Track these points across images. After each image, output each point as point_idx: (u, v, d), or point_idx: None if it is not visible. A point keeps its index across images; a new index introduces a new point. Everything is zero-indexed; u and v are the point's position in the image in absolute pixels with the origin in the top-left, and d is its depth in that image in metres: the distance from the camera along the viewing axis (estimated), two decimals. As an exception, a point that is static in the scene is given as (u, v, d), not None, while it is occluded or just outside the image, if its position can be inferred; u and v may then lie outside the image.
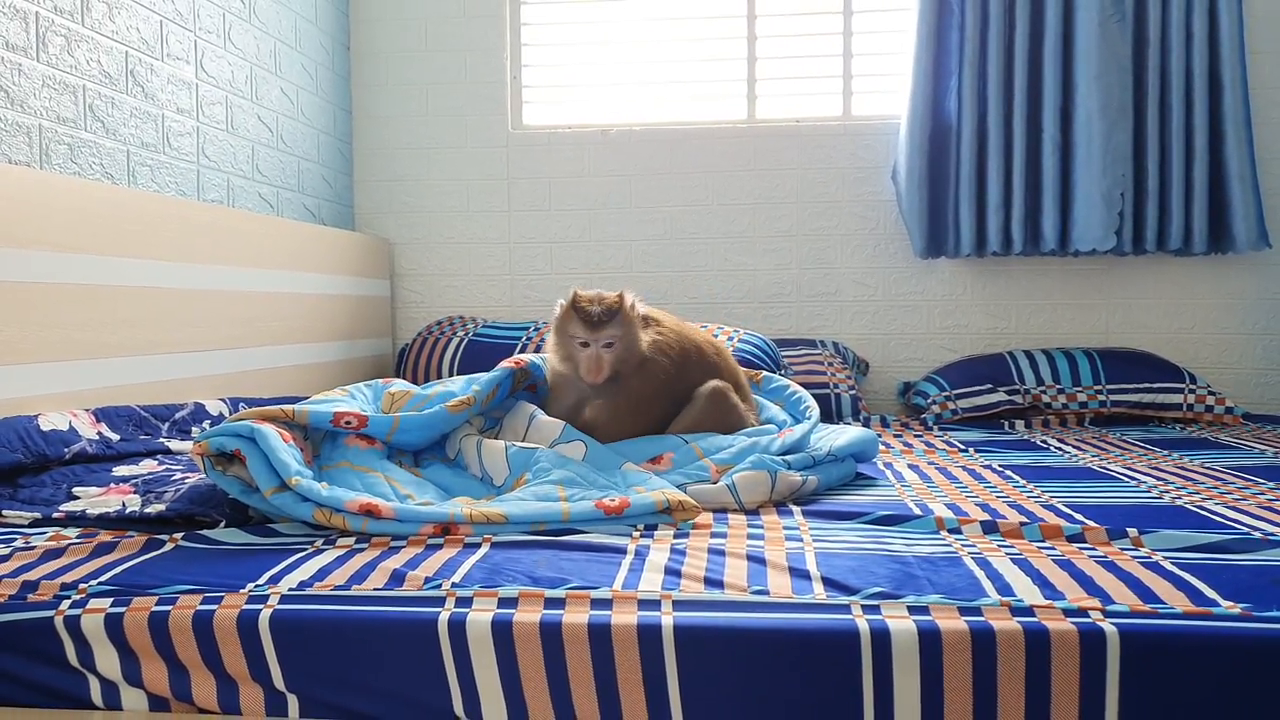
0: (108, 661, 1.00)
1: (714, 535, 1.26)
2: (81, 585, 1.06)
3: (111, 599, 1.03)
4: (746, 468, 1.48)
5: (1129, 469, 1.80)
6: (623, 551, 1.17)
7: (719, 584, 1.04)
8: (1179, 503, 1.47)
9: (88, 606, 1.01)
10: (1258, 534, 1.23)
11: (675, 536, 1.25)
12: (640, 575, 1.07)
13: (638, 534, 1.26)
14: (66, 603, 1.02)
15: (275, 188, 2.67)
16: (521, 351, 2.73)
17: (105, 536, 1.25)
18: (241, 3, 2.48)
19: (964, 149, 2.77)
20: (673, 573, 1.08)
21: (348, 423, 1.46)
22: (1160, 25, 2.70)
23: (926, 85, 2.80)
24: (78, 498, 1.40)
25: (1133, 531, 1.22)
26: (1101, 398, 2.57)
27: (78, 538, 1.24)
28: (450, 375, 2.75)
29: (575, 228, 3.12)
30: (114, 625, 0.99)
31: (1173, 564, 1.10)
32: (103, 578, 1.08)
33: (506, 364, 1.72)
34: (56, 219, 1.70)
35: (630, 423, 1.70)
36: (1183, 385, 2.58)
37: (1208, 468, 1.79)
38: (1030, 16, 2.73)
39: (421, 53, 3.15)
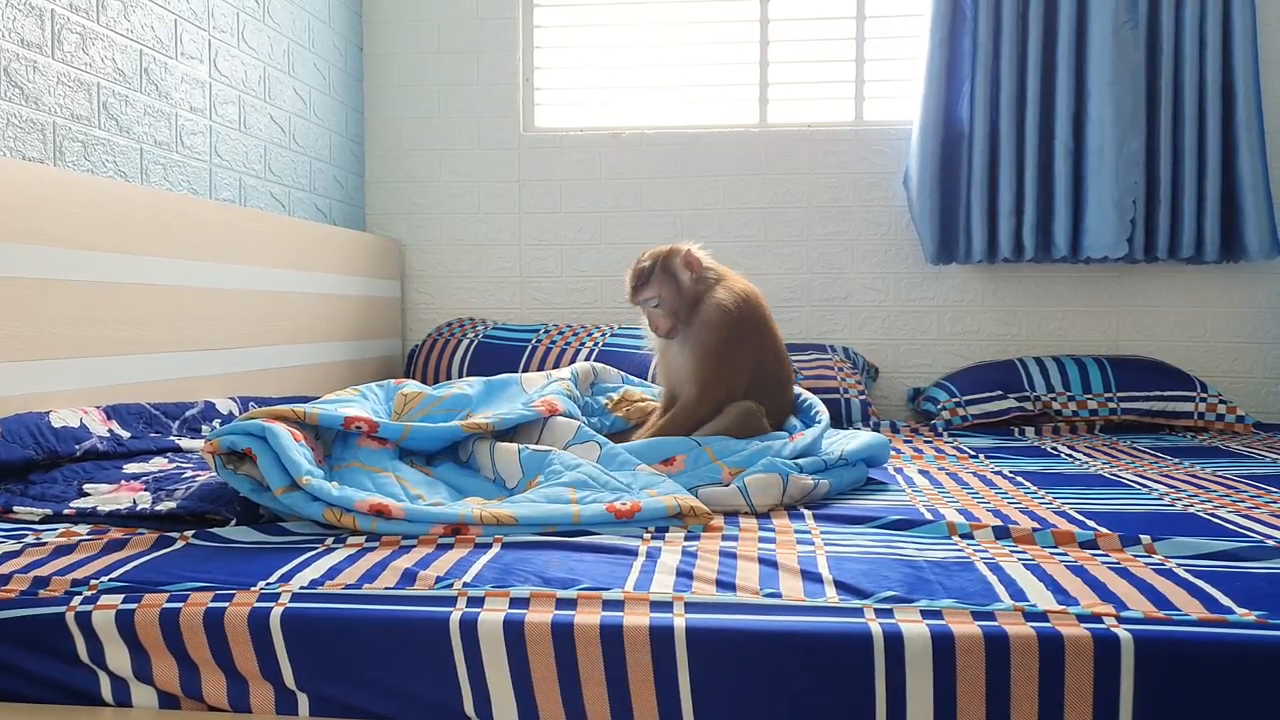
0: (118, 658, 1.00)
1: (725, 538, 1.26)
2: (93, 581, 1.06)
3: (123, 595, 1.03)
4: (759, 471, 1.48)
5: (1140, 476, 1.79)
6: (634, 553, 1.16)
7: (731, 586, 1.04)
8: (1191, 510, 1.46)
9: (99, 603, 1.01)
10: (1271, 542, 1.22)
11: (687, 539, 1.24)
12: (652, 577, 1.07)
13: (649, 536, 1.25)
14: (78, 599, 1.02)
15: (287, 187, 2.68)
16: (530, 354, 2.73)
17: (116, 533, 1.25)
18: (255, 2, 2.49)
19: (976, 155, 2.76)
20: (684, 575, 1.08)
21: (358, 428, 1.46)
22: (1174, 33, 2.68)
23: (939, 91, 2.80)
24: (89, 494, 1.41)
25: (1146, 538, 1.21)
26: (1112, 405, 2.56)
27: (89, 534, 1.24)
28: (460, 377, 2.75)
29: (586, 230, 3.12)
30: (125, 622, 0.99)
31: (1186, 571, 1.10)
32: (114, 574, 1.08)
33: (540, 407, 1.68)
34: (69, 216, 1.70)
35: (714, 369, 1.77)
36: (1194, 393, 2.57)
37: (1219, 476, 1.78)
38: (1043, 23, 2.72)
39: (434, 54, 3.15)
